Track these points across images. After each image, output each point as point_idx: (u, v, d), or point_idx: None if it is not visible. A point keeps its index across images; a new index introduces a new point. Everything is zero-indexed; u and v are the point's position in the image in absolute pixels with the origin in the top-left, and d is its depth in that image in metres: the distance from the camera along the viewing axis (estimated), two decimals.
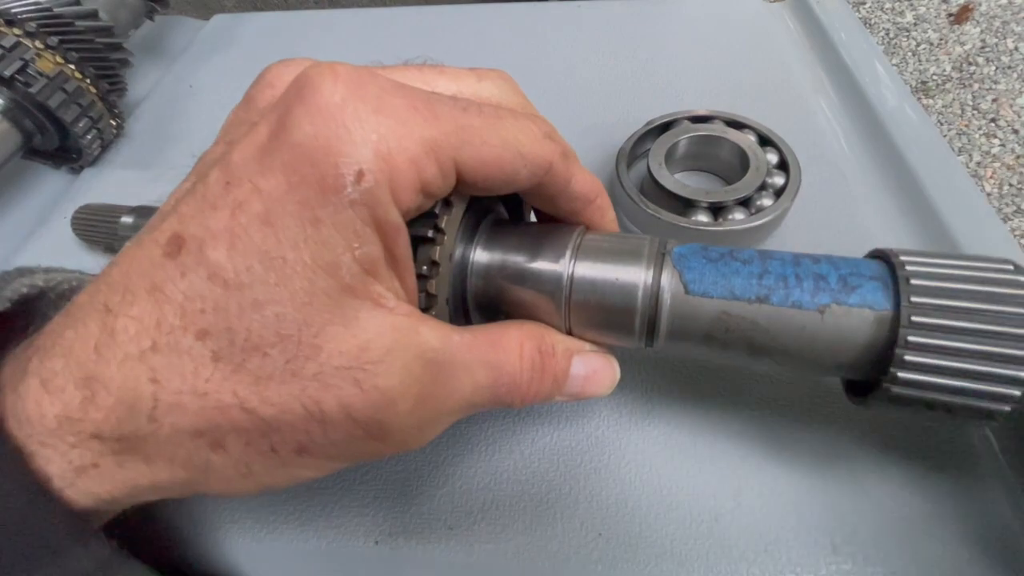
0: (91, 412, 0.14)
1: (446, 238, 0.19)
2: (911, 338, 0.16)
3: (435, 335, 0.17)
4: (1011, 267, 0.17)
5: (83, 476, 0.15)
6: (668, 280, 0.19)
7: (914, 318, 0.16)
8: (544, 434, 0.25)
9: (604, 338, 0.21)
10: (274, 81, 0.18)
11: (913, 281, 0.17)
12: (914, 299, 0.17)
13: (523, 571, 0.22)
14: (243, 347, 0.14)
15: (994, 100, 1.19)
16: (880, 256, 0.19)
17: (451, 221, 0.19)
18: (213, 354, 0.14)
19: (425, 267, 0.19)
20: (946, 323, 0.16)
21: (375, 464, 0.25)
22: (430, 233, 0.19)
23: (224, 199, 0.15)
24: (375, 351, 0.15)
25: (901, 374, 0.17)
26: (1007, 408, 0.16)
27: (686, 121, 0.34)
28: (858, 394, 0.19)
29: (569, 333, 0.21)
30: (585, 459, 0.24)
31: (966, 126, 1.17)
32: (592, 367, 0.20)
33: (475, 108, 0.17)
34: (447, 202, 0.19)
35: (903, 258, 0.18)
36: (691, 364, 0.27)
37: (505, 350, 0.18)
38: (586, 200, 0.21)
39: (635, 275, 0.20)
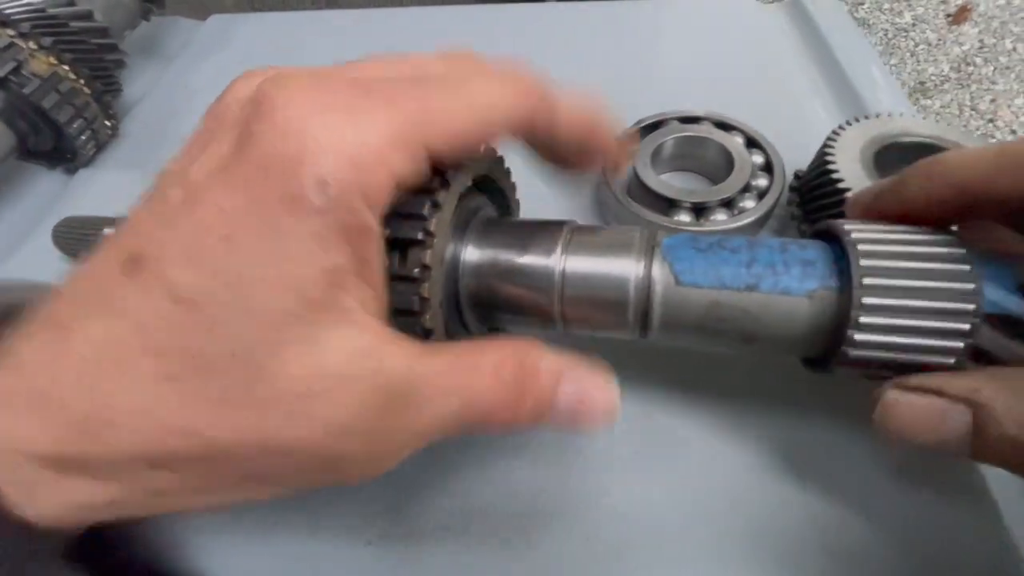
0: (41, 430, 0.14)
1: (436, 240, 0.19)
2: (862, 319, 0.17)
3: (400, 360, 0.15)
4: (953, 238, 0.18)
5: (32, 494, 0.14)
6: (659, 272, 0.20)
7: (865, 300, 0.17)
8: (537, 436, 0.25)
9: (599, 331, 0.21)
10: (237, 95, 0.17)
11: (863, 262, 0.17)
12: (867, 281, 0.17)
13: (514, 573, 0.22)
14: (197, 368, 0.14)
15: (992, 101, 1.19)
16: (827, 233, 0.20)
17: (441, 222, 0.19)
18: (167, 375, 0.14)
19: (416, 270, 0.18)
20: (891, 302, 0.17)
21: None
22: (420, 235, 0.18)
23: (184, 217, 0.14)
24: (331, 378, 0.14)
25: (857, 336, 0.17)
26: (951, 361, 0.17)
27: (675, 121, 0.34)
28: (815, 365, 0.20)
29: (564, 328, 0.22)
30: (577, 462, 0.25)
31: (964, 127, 1.17)
32: (583, 389, 0.17)
33: (435, 82, 0.16)
34: (435, 203, 0.19)
35: (854, 236, 0.18)
36: (687, 364, 0.27)
37: (480, 373, 0.16)
38: (580, 144, 0.20)
39: (626, 268, 0.20)
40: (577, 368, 0.18)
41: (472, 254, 0.22)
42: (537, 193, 0.28)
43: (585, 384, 0.18)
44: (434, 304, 0.19)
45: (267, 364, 0.14)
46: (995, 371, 0.16)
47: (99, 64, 0.39)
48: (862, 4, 1.34)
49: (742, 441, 0.24)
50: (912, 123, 0.29)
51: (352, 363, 0.15)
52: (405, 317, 0.19)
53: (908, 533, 0.22)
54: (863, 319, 0.17)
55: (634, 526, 0.23)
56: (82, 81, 0.37)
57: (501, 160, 0.24)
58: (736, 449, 0.24)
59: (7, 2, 0.35)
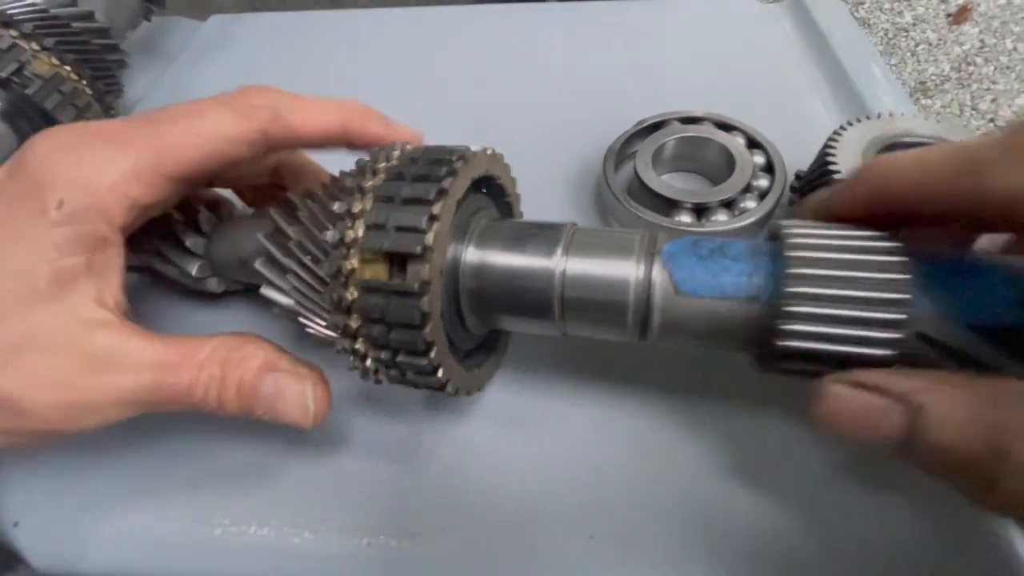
0: None
1: (435, 254, 0.19)
2: (792, 308, 0.17)
3: (109, 337, 0.19)
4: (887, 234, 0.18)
5: None
6: (659, 278, 0.20)
7: (792, 308, 0.17)
8: (536, 437, 0.26)
9: (598, 333, 0.21)
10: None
11: (794, 270, 0.17)
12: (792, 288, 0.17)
13: (515, 572, 0.23)
14: None
15: (993, 100, 1.19)
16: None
17: (439, 234, 0.19)
18: None
19: (417, 285, 0.19)
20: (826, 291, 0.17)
21: (367, 465, 0.25)
22: (418, 250, 0.19)
23: None
24: (37, 340, 0.19)
25: (787, 326, 0.17)
26: (889, 352, 0.17)
27: (676, 122, 0.34)
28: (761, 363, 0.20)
29: (564, 329, 0.22)
30: (577, 462, 0.25)
31: (965, 126, 1.17)
32: (279, 387, 0.21)
33: (168, 121, 0.21)
34: (432, 216, 0.19)
35: (789, 241, 0.18)
36: (691, 368, 0.27)
37: (187, 358, 0.20)
38: (330, 133, 0.23)
39: (626, 272, 0.20)
40: (286, 368, 0.21)
41: (473, 255, 0.22)
42: (538, 192, 0.28)
43: (282, 383, 0.21)
44: (435, 317, 0.19)
45: None
46: (945, 376, 0.16)
47: (101, 64, 0.39)
48: (862, 4, 1.33)
49: (748, 441, 0.24)
50: (914, 123, 0.29)
51: (64, 333, 0.19)
52: (405, 329, 0.19)
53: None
54: (793, 308, 0.17)
55: (637, 526, 0.23)
56: (84, 82, 0.37)
57: (501, 159, 0.24)
58: (737, 449, 0.24)
59: (10, 3, 0.35)
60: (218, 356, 0.20)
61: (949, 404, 0.15)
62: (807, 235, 0.18)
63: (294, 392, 0.21)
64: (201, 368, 0.20)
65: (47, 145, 0.20)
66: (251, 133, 0.22)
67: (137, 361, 0.20)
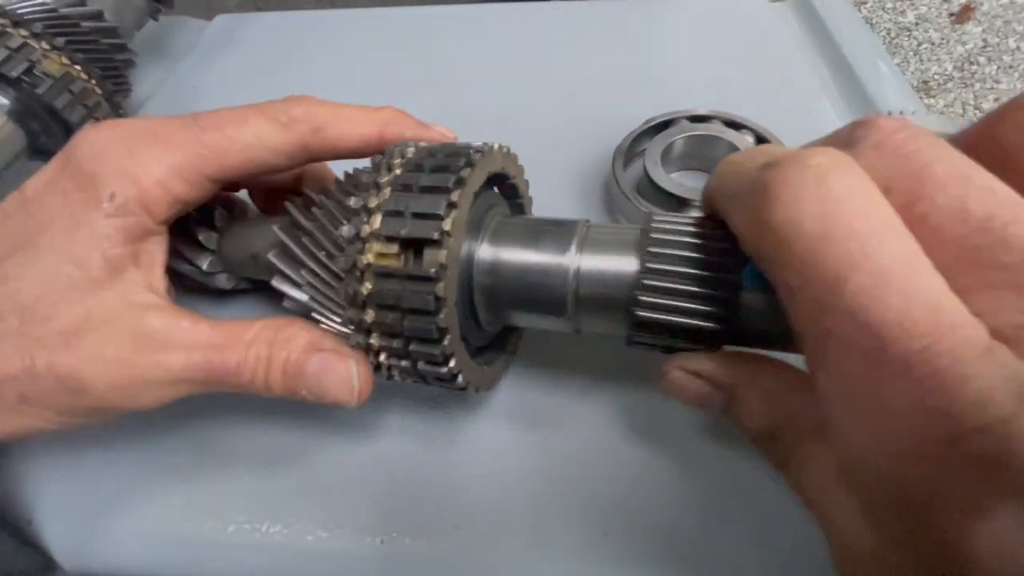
0: None
1: (452, 240, 0.19)
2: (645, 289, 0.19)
3: (160, 319, 0.21)
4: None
5: None
6: None
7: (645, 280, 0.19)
8: (549, 434, 0.26)
9: (614, 329, 0.22)
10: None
11: (650, 248, 0.19)
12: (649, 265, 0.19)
13: (529, 571, 0.23)
14: None
15: (996, 100, 1.19)
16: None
17: (457, 222, 0.19)
18: None
19: (433, 270, 0.19)
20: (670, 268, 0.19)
21: (381, 462, 0.25)
22: (436, 235, 0.19)
23: (15, 210, 0.21)
24: (94, 321, 0.20)
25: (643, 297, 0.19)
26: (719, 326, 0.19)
27: (685, 120, 0.34)
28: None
29: (577, 326, 0.22)
30: (590, 459, 0.25)
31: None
32: (325, 366, 0.21)
33: (214, 127, 0.22)
34: (451, 203, 0.19)
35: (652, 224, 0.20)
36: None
37: (234, 339, 0.21)
38: (368, 142, 0.23)
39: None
40: (330, 348, 0.21)
41: (487, 252, 0.22)
42: (547, 191, 0.28)
43: (328, 362, 0.21)
44: (449, 303, 0.19)
45: (46, 312, 0.19)
46: (762, 367, 0.19)
47: (109, 64, 0.39)
48: (865, 3, 1.33)
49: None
50: (923, 120, 0.29)
51: (115, 314, 0.20)
52: (419, 315, 0.19)
53: None
54: (646, 281, 0.19)
55: (651, 524, 0.23)
56: (93, 81, 0.37)
57: (515, 158, 0.24)
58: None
59: (19, 2, 0.35)
60: (264, 336, 0.21)
61: (754, 398, 0.19)
62: (666, 222, 0.20)
63: (339, 370, 0.21)
64: (248, 348, 0.21)
65: (99, 139, 0.21)
66: (292, 145, 0.22)
67: (188, 340, 0.21)
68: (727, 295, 0.18)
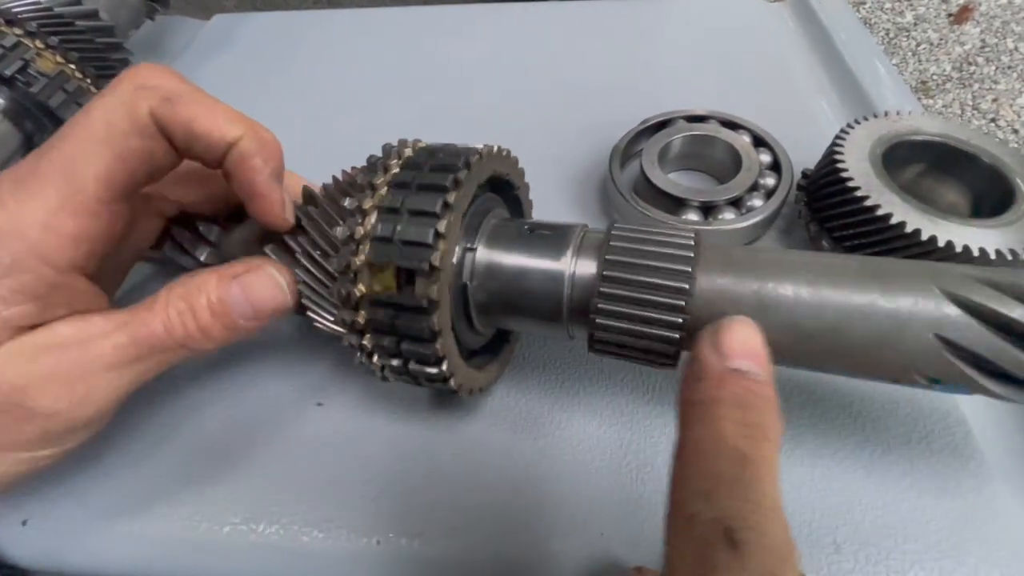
0: None
1: (444, 243, 0.19)
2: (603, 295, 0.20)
3: (70, 325, 0.20)
4: (692, 234, 0.20)
5: None
6: None
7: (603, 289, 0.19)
8: (544, 435, 0.25)
9: None
10: None
11: (608, 256, 0.20)
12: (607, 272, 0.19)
13: (526, 571, 0.22)
14: None
15: (994, 100, 1.19)
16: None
17: (452, 224, 0.19)
18: None
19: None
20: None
21: (378, 465, 0.25)
22: (429, 239, 0.19)
23: None
24: (13, 351, 0.19)
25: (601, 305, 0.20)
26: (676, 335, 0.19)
27: (682, 120, 0.34)
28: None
29: (572, 333, 0.22)
30: (587, 459, 0.25)
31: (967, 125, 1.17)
32: (245, 283, 0.21)
33: (63, 137, 0.20)
34: (447, 204, 0.19)
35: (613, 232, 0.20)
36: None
37: (148, 309, 0.21)
38: (225, 142, 0.21)
39: None
40: (239, 270, 0.21)
41: (483, 254, 0.22)
42: (544, 191, 0.28)
43: (248, 278, 0.21)
44: (443, 305, 0.19)
45: None
46: None
47: (104, 63, 0.39)
48: (863, 3, 1.33)
49: None
50: (921, 121, 0.29)
51: (15, 339, 0.19)
52: (412, 315, 0.19)
53: None
54: (603, 289, 0.19)
55: (647, 523, 0.23)
56: (88, 80, 0.37)
57: (510, 155, 0.24)
58: None
59: (14, 1, 0.35)
60: (177, 293, 0.21)
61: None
62: (627, 230, 0.20)
63: (261, 279, 0.21)
64: (166, 308, 0.21)
65: None
66: (141, 117, 0.20)
67: (107, 328, 0.20)
68: (681, 302, 0.19)
